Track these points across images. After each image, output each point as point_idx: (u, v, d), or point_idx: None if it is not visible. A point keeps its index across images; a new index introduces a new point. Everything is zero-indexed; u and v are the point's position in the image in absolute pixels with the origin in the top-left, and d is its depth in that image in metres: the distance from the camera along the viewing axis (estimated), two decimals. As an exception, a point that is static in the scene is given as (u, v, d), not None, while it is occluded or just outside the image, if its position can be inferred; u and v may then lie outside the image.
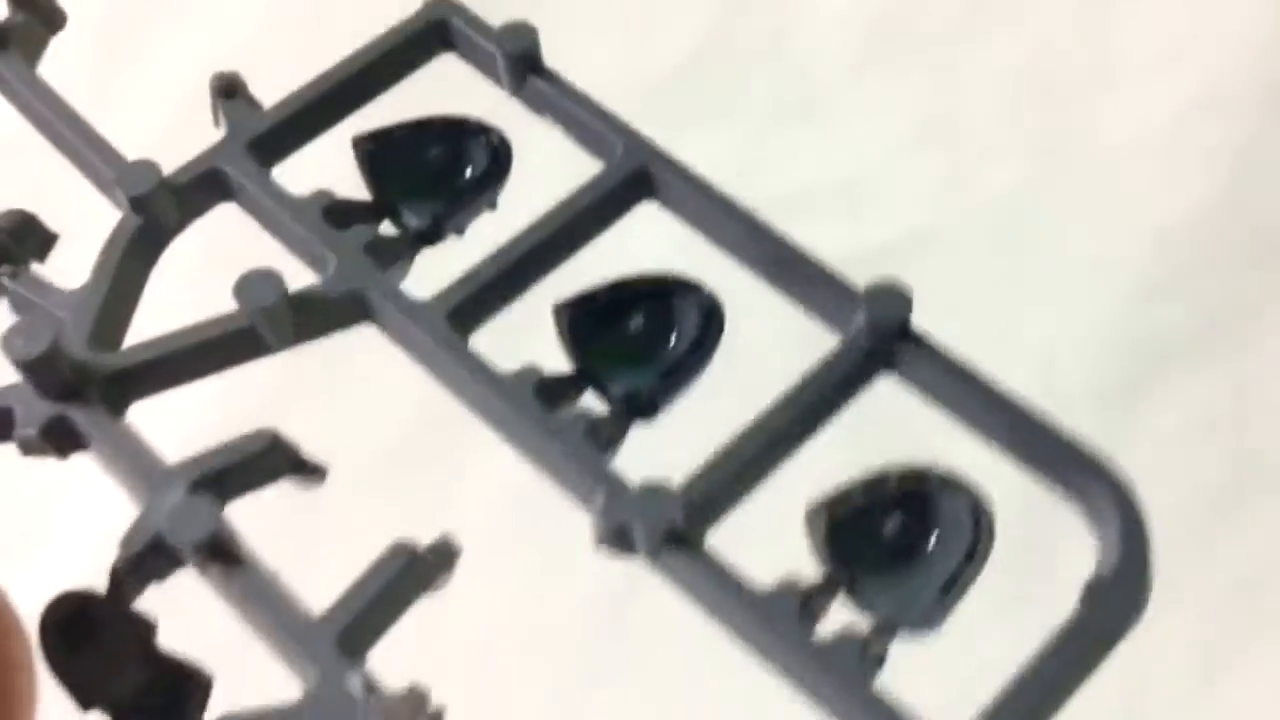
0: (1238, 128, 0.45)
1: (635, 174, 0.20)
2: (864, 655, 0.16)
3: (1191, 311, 0.42)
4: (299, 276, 0.19)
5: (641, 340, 0.19)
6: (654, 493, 0.17)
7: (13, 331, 0.17)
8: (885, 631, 0.16)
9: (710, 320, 0.19)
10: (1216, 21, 0.47)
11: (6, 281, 0.19)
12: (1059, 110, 0.43)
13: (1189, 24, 0.47)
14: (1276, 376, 0.40)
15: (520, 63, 0.20)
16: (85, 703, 0.16)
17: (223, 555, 0.16)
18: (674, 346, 0.18)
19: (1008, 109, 0.44)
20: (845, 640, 0.16)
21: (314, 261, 0.19)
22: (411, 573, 0.17)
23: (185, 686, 0.16)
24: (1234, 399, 0.40)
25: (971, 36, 0.43)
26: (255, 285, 0.18)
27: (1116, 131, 0.45)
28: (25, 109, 0.20)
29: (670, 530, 0.16)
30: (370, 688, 0.15)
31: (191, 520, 0.16)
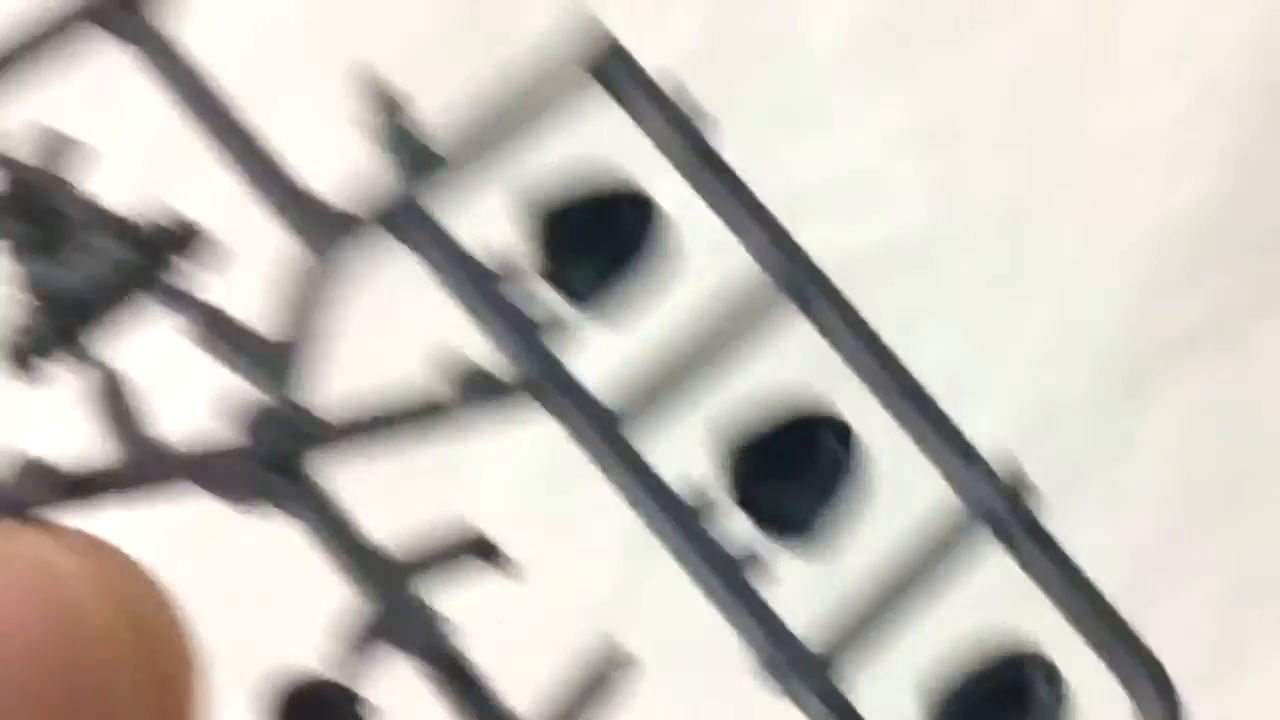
0: (1237, 129, 0.45)
1: (796, 293, 0.21)
2: None
3: (1191, 311, 0.43)
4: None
5: (795, 471, 0.20)
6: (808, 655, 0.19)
7: (243, 401, 0.18)
8: None
9: (854, 452, 0.21)
10: (1217, 22, 0.46)
11: (194, 311, 0.19)
12: (1058, 110, 0.44)
13: (1189, 24, 0.46)
14: (1274, 375, 0.42)
15: (691, 145, 0.21)
16: None
17: (444, 659, 0.18)
18: (823, 478, 0.20)
19: (1007, 108, 0.44)
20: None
21: (493, 337, 0.20)
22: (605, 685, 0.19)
23: None
24: (1234, 399, 0.42)
25: (971, 36, 0.43)
26: (468, 382, 0.19)
27: (1116, 131, 0.45)
28: (198, 113, 0.20)
29: (823, 690, 0.19)
30: None
31: (418, 626, 0.17)
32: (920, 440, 0.21)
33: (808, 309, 0.21)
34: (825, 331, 0.21)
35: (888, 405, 0.21)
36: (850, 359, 0.21)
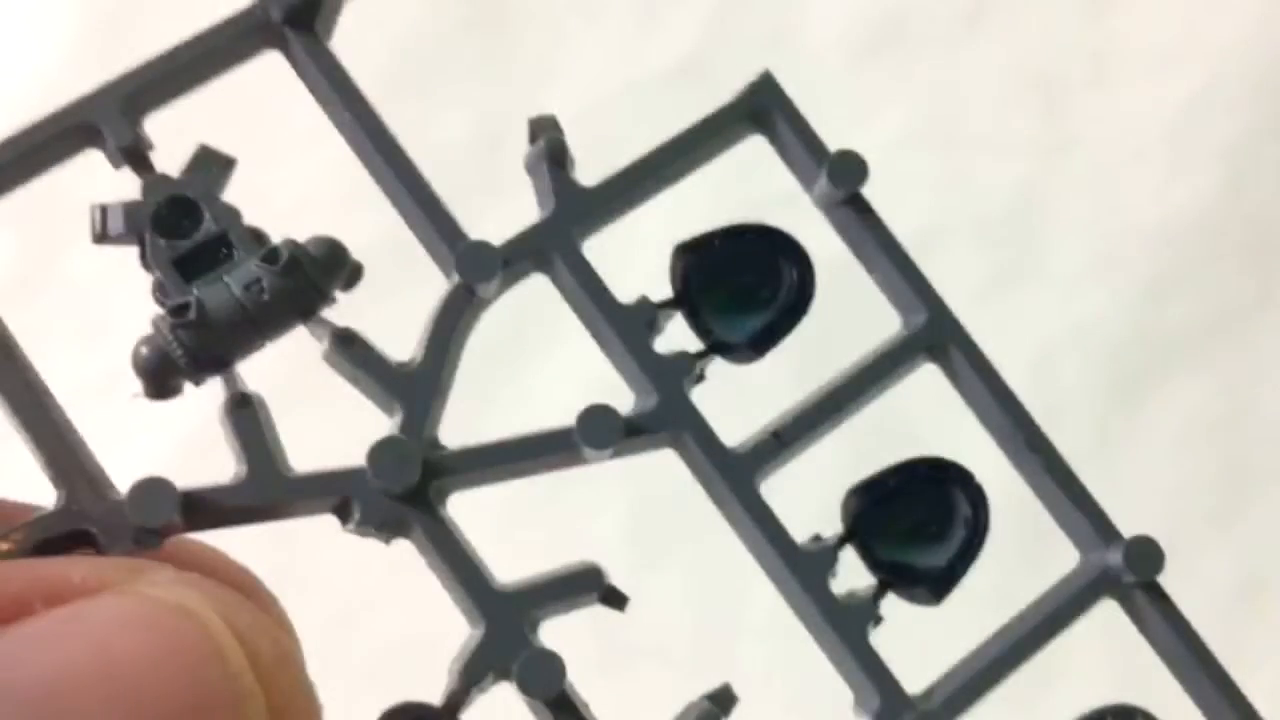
0: (1236, 128, 0.45)
1: (933, 343, 0.21)
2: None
3: (1190, 310, 0.43)
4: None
5: (919, 523, 0.20)
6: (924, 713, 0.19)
7: (381, 448, 0.18)
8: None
9: (980, 508, 0.20)
10: (1215, 22, 0.47)
11: (345, 336, 0.19)
12: (1058, 110, 0.44)
13: (1188, 24, 0.47)
14: (1274, 374, 0.43)
15: (842, 191, 0.21)
16: None
17: (553, 693, 0.18)
18: (951, 532, 0.20)
19: (1007, 108, 0.44)
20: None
21: (629, 378, 0.20)
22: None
23: None
24: (1232, 396, 0.43)
25: (971, 37, 0.43)
26: (596, 420, 0.19)
27: (1116, 132, 0.45)
28: (359, 138, 0.20)
29: None
30: None
31: (543, 675, 0.18)
32: (1044, 496, 0.21)
33: (944, 361, 0.21)
34: (958, 383, 0.21)
35: (1015, 459, 0.21)
36: (980, 411, 0.21)
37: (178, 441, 0.35)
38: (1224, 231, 0.45)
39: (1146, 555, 0.20)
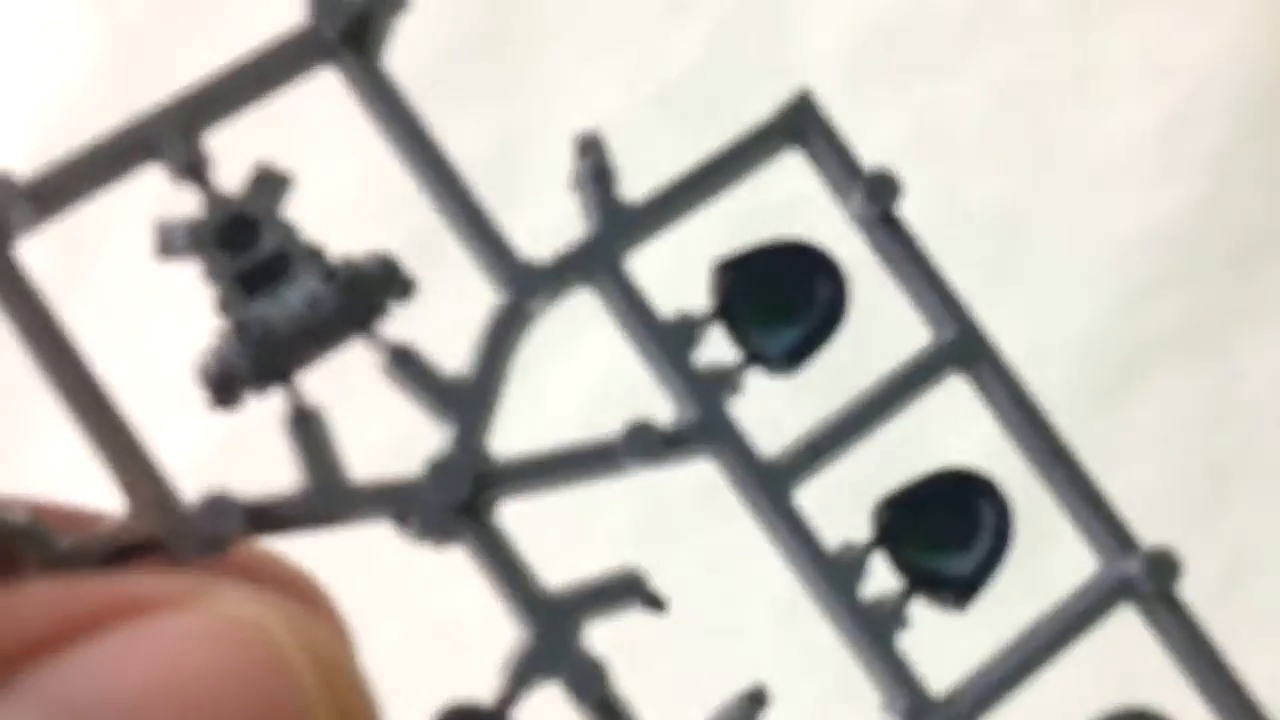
0: (1218, 138, 0.47)
1: (962, 356, 0.21)
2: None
3: (1175, 315, 0.45)
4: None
5: (946, 532, 0.21)
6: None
7: (438, 464, 0.19)
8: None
9: (1006, 521, 0.21)
10: (1199, 34, 0.48)
11: (400, 352, 0.20)
12: (1046, 121, 0.45)
13: (1172, 37, 0.48)
14: (1258, 377, 0.44)
15: (877, 209, 0.21)
16: None
17: (598, 696, 0.19)
18: (979, 541, 0.21)
19: (996, 119, 0.45)
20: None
21: (669, 388, 0.21)
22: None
23: None
24: (1217, 399, 0.44)
25: (960, 50, 0.44)
26: (637, 435, 0.20)
27: (1101, 141, 0.47)
28: (411, 155, 0.20)
29: None
30: None
31: (589, 680, 0.19)
32: (1068, 505, 0.21)
33: (974, 374, 0.22)
34: (987, 395, 0.22)
35: (1041, 468, 0.21)
36: (1007, 422, 0.22)
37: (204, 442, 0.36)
38: (1206, 237, 0.46)
39: (1163, 566, 0.21)
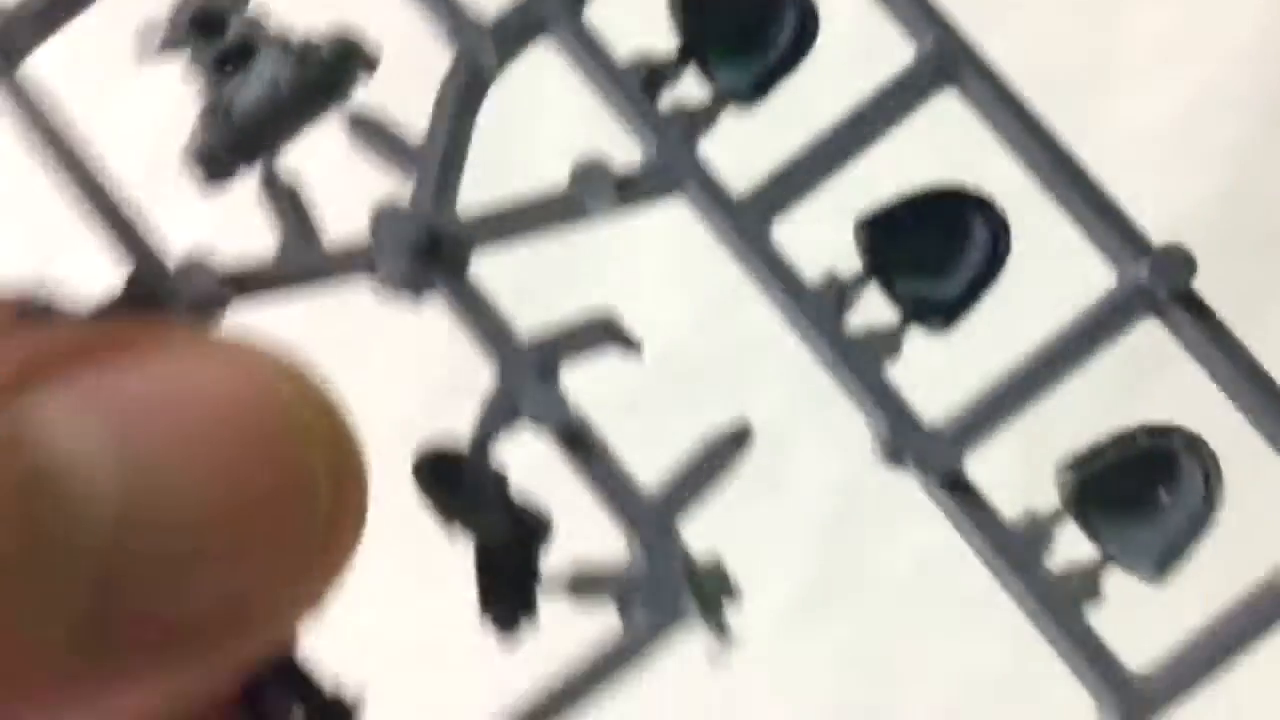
0: (1237, 129, 0.46)
1: (945, 68, 0.20)
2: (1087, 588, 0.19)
3: None
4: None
5: (937, 252, 0.20)
6: (933, 436, 0.19)
7: (389, 213, 0.20)
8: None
9: (1000, 237, 0.20)
10: (1216, 22, 0.47)
11: (358, 118, 0.20)
12: (1059, 110, 0.42)
13: (1189, 25, 0.47)
14: (1274, 363, 0.40)
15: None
16: (449, 522, 0.19)
17: (572, 432, 0.19)
18: (967, 260, 0.20)
19: None
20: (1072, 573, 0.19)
21: (631, 130, 0.20)
22: (731, 456, 0.19)
23: (531, 526, 0.20)
24: None
25: (980, 39, 0.41)
26: (588, 171, 0.20)
27: (1116, 132, 0.46)
28: None
29: (947, 474, 0.19)
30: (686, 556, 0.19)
31: (550, 407, 0.19)
32: (1075, 215, 0.20)
33: (959, 83, 0.20)
34: (980, 109, 0.20)
35: (1043, 179, 0.20)
36: (1005, 135, 0.20)
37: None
38: (1224, 230, 0.45)
39: (1174, 263, 0.19)
